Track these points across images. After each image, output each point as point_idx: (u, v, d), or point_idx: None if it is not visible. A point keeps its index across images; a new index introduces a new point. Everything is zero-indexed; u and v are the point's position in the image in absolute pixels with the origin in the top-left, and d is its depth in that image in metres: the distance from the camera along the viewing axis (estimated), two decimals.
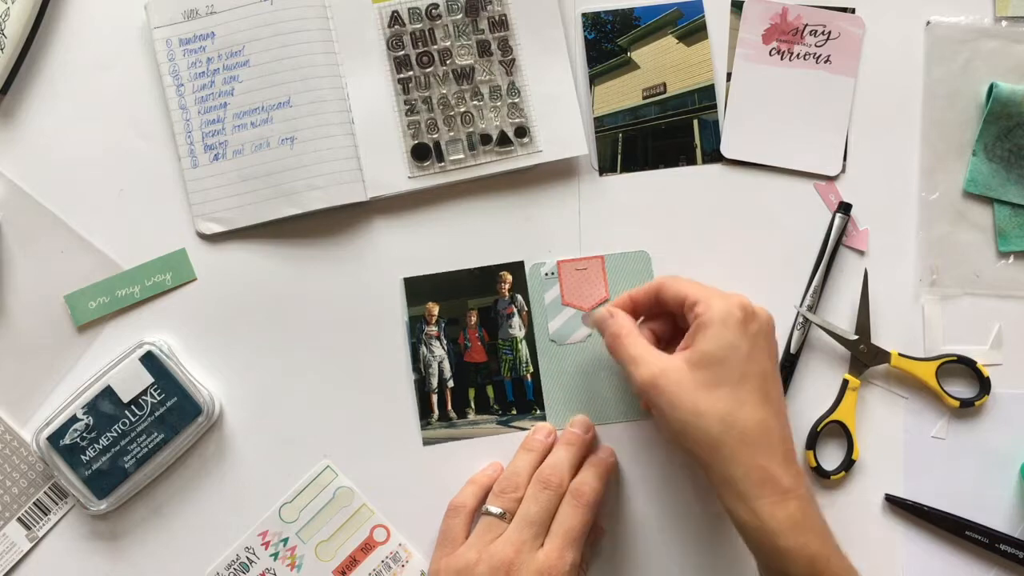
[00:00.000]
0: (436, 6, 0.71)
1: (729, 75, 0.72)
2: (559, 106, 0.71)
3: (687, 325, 0.62)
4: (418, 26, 0.71)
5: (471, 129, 0.70)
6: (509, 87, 0.70)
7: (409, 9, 0.71)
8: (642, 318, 0.67)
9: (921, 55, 0.72)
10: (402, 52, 0.71)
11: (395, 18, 0.71)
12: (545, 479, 0.66)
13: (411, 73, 0.71)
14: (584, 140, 0.70)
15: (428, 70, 0.71)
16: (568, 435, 0.69)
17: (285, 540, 0.71)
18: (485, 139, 0.70)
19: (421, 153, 0.70)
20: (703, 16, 0.72)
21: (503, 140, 0.70)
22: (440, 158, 0.71)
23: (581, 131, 0.70)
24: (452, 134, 0.71)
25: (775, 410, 0.60)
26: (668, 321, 0.66)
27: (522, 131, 0.70)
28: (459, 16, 0.71)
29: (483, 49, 0.71)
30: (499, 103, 0.70)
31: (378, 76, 0.71)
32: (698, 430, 0.59)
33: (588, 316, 0.69)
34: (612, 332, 0.64)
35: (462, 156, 0.70)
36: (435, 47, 0.71)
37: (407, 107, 0.71)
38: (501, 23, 0.71)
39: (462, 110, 0.71)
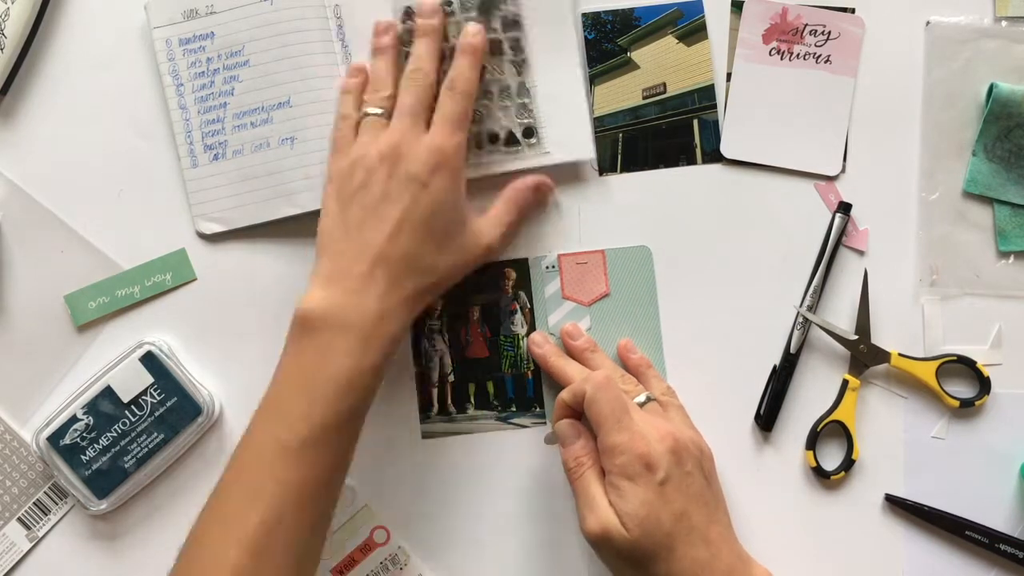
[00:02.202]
0: (449, 3, 0.70)
1: (729, 75, 0.72)
2: (568, 109, 0.70)
3: None
4: None
5: (479, 128, 0.70)
6: (519, 87, 0.70)
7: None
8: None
9: (921, 55, 0.72)
10: (409, 48, 0.70)
11: (408, 13, 0.70)
12: (413, 71, 0.66)
13: None
14: (591, 144, 0.70)
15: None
16: (421, 27, 0.68)
17: None
18: (492, 138, 0.70)
19: None
20: (703, 16, 0.72)
21: (511, 140, 0.70)
22: None
23: (589, 135, 0.70)
24: None
25: (704, 540, 0.60)
26: None
27: (530, 132, 0.70)
28: (472, 14, 0.70)
29: (494, 48, 0.70)
30: (508, 103, 0.70)
31: None
32: None
33: (550, 435, 0.67)
34: (575, 458, 0.63)
35: (469, 155, 0.70)
36: (446, 44, 0.70)
37: None
38: (514, 23, 0.70)
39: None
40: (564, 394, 0.64)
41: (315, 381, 0.61)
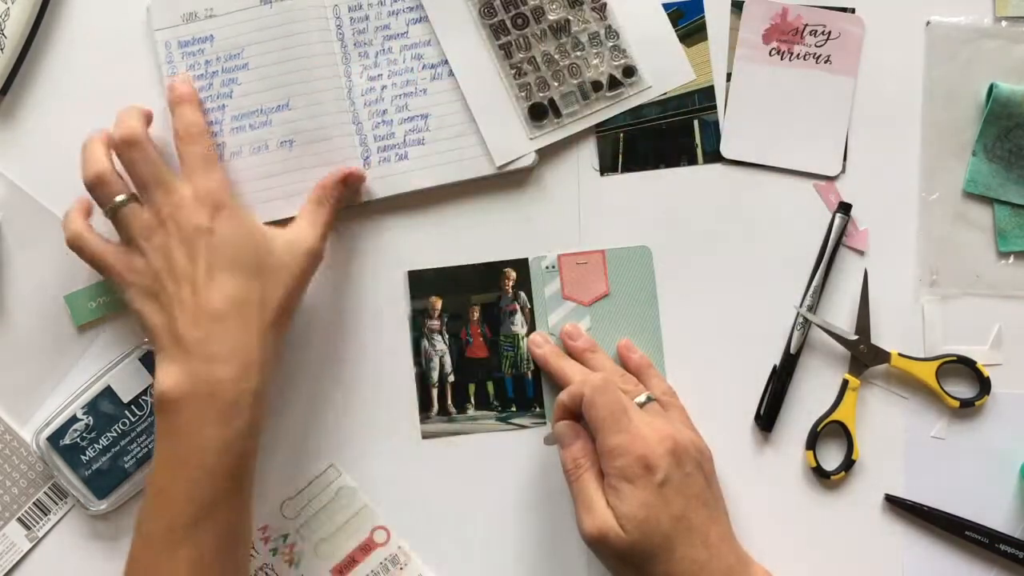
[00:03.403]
0: None
1: (729, 75, 0.72)
2: (657, 39, 0.71)
3: None
4: None
5: (580, 79, 0.71)
6: (606, 31, 0.71)
7: None
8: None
9: (921, 55, 0.72)
10: (496, 19, 0.71)
11: None
12: (124, 144, 0.65)
13: (509, 38, 0.71)
14: (689, 67, 0.71)
15: (525, 31, 0.71)
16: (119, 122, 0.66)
17: (285, 536, 0.71)
18: (596, 86, 0.71)
19: (538, 113, 0.70)
20: (703, 16, 0.72)
21: (613, 84, 0.71)
22: (557, 114, 0.71)
23: (684, 59, 0.71)
24: (563, 88, 0.71)
25: (703, 542, 0.60)
26: None
27: (630, 71, 0.71)
28: None
29: (573, 1, 0.71)
30: (600, 49, 0.71)
31: (477, 47, 0.71)
32: None
33: (549, 436, 0.67)
34: (573, 459, 0.63)
35: (577, 108, 0.71)
36: (526, 7, 0.70)
37: (514, 71, 0.71)
38: None
39: (567, 63, 0.71)
40: (563, 396, 0.64)
41: (190, 460, 0.60)
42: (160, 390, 0.61)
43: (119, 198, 0.64)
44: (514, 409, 0.72)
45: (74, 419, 0.68)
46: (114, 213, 0.65)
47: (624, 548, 0.60)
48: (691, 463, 0.62)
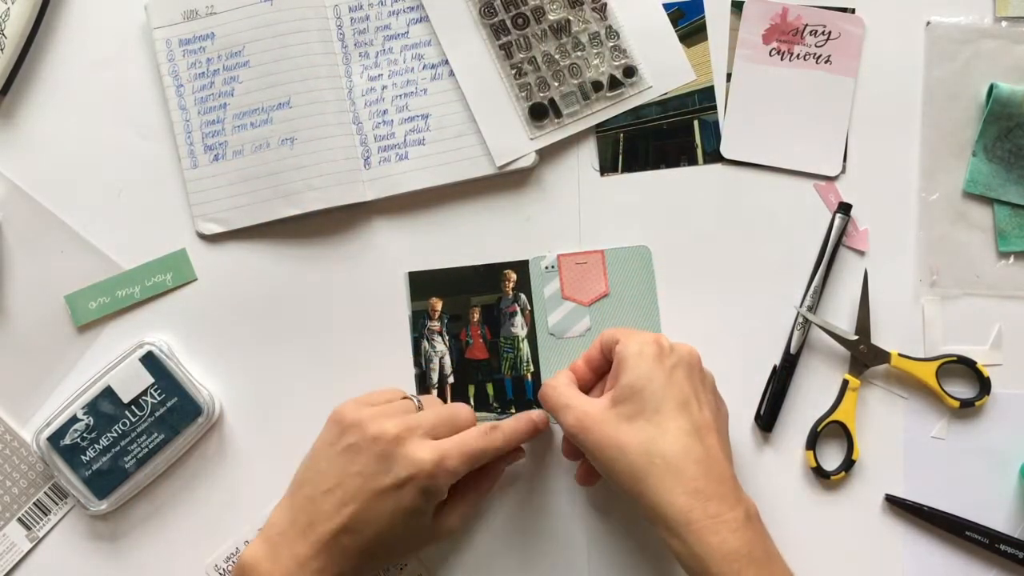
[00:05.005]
0: None
1: (729, 75, 0.72)
2: (657, 39, 0.72)
3: None
4: None
5: (581, 80, 0.71)
6: (607, 31, 0.71)
7: None
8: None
9: (921, 55, 0.72)
10: (496, 19, 0.71)
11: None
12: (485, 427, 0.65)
13: (509, 38, 0.71)
14: (689, 67, 0.71)
15: (525, 31, 0.71)
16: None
17: None
18: (596, 86, 0.71)
19: (538, 113, 0.71)
20: (703, 16, 0.72)
21: (614, 84, 0.71)
22: (557, 114, 0.71)
23: (684, 59, 0.72)
24: (563, 88, 0.71)
25: (700, 435, 0.59)
26: None
27: (630, 71, 0.71)
28: None
29: (573, 1, 0.71)
30: (600, 49, 0.71)
31: (478, 47, 0.71)
32: (623, 463, 0.59)
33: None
34: (544, 387, 0.65)
35: (577, 108, 0.71)
36: (527, 7, 0.71)
37: (514, 71, 0.71)
38: None
39: (568, 63, 0.71)
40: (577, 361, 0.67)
41: None
42: (249, 559, 0.62)
43: (415, 398, 0.67)
44: (513, 411, 0.72)
45: (74, 419, 0.68)
46: (405, 396, 0.67)
47: (611, 416, 0.60)
48: (708, 384, 0.63)
